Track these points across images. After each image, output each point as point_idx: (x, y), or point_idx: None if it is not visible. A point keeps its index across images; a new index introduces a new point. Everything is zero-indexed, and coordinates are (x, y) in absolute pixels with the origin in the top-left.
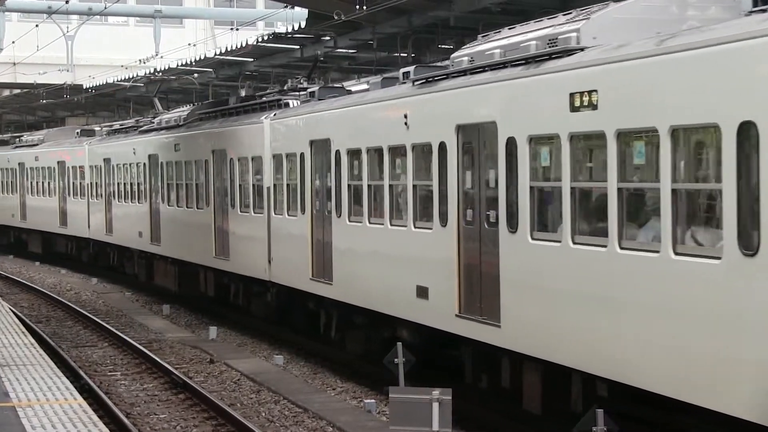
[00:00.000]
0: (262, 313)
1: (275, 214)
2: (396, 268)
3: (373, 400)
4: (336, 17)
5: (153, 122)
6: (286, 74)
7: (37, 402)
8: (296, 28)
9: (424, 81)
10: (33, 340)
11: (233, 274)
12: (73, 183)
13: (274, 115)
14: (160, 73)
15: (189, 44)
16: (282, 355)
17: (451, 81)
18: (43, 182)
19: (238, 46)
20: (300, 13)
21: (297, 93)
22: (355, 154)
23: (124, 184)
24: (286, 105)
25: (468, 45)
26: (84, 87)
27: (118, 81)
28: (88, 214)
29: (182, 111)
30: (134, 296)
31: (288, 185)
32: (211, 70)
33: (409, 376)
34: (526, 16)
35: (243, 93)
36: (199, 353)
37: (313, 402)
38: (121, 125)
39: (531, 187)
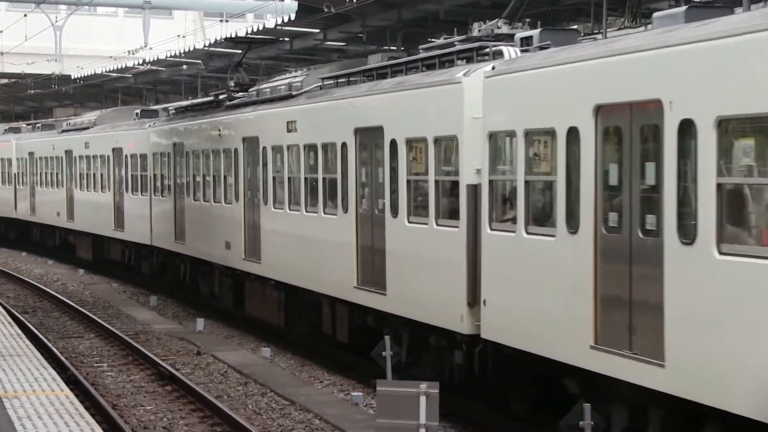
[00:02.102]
0: (441, 379)
1: (493, 229)
2: None
3: (360, 393)
4: (326, 10)
5: (246, 95)
6: (276, 66)
7: (23, 393)
8: (286, 20)
9: None
10: (19, 331)
11: (392, 317)
12: (133, 175)
13: (492, 68)
14: (148, 65)
15: (178, 36)
16: (269, 348)
17: None
18: (95, 174)
19: (227, 38)
20: (290, 6)
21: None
22: (747, 126)
23: (203, 176)
24: (498, 54)
25: None
26: (72, 77)
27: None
28: (150, 214)
29: (293, 77)
30: (121, 287)
31: (529, 183)
32: (200, 61)
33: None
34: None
35: (232, 84)
36: (186, 345)
37: (300, 395)
38: (192, 103)
39: None
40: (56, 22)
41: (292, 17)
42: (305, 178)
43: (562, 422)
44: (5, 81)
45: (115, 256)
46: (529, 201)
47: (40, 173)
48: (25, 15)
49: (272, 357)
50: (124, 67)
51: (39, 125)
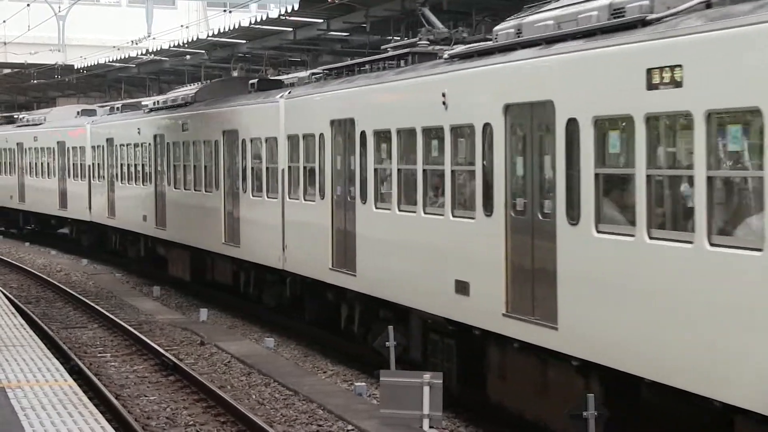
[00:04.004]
0: None
1: None
2: None
3: (363, 384)
4: (329, 0)
5: (500, 35)
6: (278, 56)
7: (26, 383)
8: (289, 10)
9: None
10: (23, 321)
11: None
12: (254, 168)
13: None
14: (151, 55)
15: (181, 26)
16: (273, 338)
17: None
18: (195, 166)
19: (231, 28)
20: None
21: None
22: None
23: (398, 171)
24: None
25: None
26: (75, 68)
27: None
28: (282, 225)
29: None
30: (125, 278)
31: None
32: (203, 51)
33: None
34: (521, 0)
35: (236, 74)
36: (189, 335)
37: (304, 385)
38: (352, 63)
39: None
40: (59, 12)
41: (296, 7)
42: (708, 178)
43: (566, 412)
44: (8, 71)
45: (222, 277)
46: None
47: (121, 165)
48: (28, 5)
49: (276, 347)
50: (127, 57)
51: (119, 106)
